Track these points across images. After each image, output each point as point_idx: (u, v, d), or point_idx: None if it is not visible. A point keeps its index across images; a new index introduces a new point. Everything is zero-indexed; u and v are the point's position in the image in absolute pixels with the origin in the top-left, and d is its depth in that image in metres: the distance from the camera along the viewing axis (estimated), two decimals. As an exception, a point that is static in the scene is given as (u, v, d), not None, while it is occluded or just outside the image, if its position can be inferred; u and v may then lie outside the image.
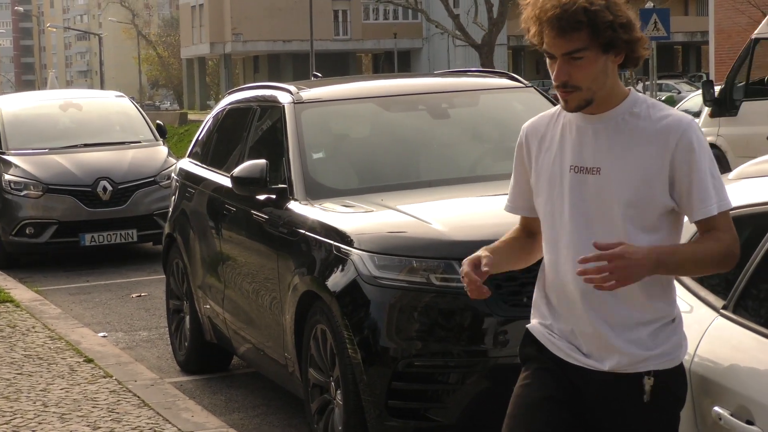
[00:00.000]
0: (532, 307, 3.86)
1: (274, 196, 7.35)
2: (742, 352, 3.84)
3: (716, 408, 3.76)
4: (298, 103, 7.78)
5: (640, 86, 48.62)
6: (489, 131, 8.13)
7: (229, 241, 8.15)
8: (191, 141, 10.09)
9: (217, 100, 10.79)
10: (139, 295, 12.72)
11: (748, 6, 37.49)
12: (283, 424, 7.73)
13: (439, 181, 7.37)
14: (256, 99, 8.61)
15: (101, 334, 10.50)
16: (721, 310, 4.03)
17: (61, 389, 8.05)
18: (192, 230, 8.92)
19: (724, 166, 15.68)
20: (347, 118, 8.18)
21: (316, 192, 7.20)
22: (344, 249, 6.37)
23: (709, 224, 3.58)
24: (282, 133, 7.66)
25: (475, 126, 8.18)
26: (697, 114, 25.45)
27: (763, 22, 19.16)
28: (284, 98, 7.90)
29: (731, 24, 40.29)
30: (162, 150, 16.14)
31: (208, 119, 9.70)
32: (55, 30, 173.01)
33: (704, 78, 37.76)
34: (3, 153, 15.62)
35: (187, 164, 9.56)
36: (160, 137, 16.56)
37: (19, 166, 15.21)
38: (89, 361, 8.87)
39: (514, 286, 5.95)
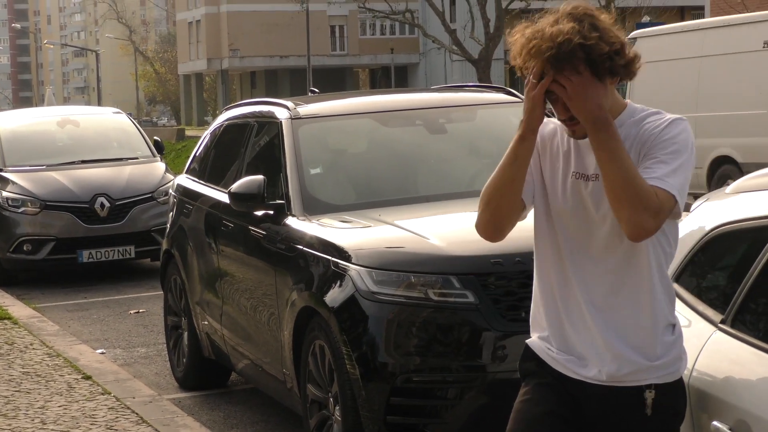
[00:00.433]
0: (531, 321, 3.86)
1: (271, 212, 7.35)
2: (741, 366, 3.84)
3: (715, 422, 3.75)
4: (295, 118, 7.78)
5: (637, 100, 48.71)
6: (486, 146, 8.13)
7: (226, 257, 8.15)
8: (189, 157, 10.09)
9: (215, 116, 10.82)
10: (137, 312, 12.71)
11: (744, 19, 37.52)
12: (282, 440, 7.72)
13: (437, 196, 7.37)
14: (253, 115, 8.62)
15: (99, 350, 10.49)
16: (720, 324, 4.03)
17: (60, 406, 8.04)
18: (190, 246, 8.92)
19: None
20: (344, 134, 8.19)
21: (314, 207, 7.20)
22: (342, 264, 6.36)
23: None
24: (279, 149, 7.67)
25: (473, 141, 8.18)
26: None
27: None
28: (281, 114, 7.91)
29: (727, 38, 40.30)
30: (159, 166, 16.15)
31: (205, 135, 9.70)
32: (52, 46, 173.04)
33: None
34: (0, 170, 15.62)
35: (185, 180, 9.56)
36: (158, 153, 16.57)
37: (16, 183, 15.21)
38: (87, 377, 8.86)
39: (513, 300, 5.95)
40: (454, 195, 7.41)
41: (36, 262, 15.04)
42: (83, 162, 15.94)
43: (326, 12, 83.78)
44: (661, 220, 3.47)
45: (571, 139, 3.69)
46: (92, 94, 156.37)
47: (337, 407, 6.33)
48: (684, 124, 3.59)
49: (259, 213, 7.44)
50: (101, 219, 14.96)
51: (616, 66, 3.53)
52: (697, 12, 68.30)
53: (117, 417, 7.73)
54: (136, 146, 16.66)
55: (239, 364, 8.12)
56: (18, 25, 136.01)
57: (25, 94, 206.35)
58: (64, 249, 14.89)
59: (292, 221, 7.14)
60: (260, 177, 7.39)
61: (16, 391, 8.53)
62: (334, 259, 6.46)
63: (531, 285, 3.92)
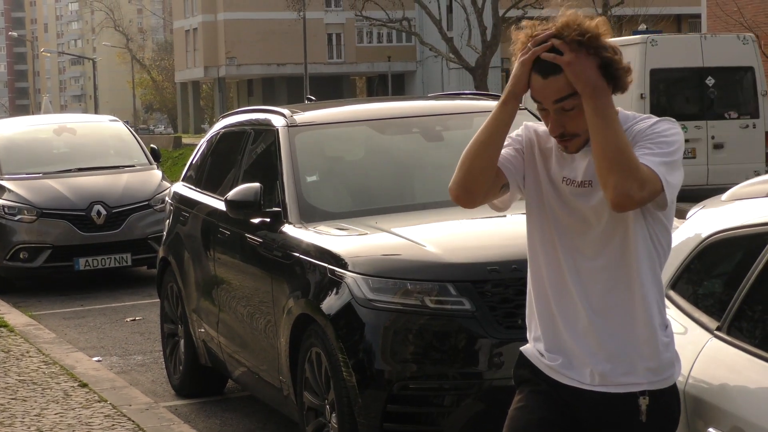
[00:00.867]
0: (527, 326, 3.86)
1: (268, 220, 7.35)
2: (737, 373, 3.85)
3: (711, 429, 3.76)
4: (292, 126, 7.79)
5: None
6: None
7: (223, 265, 8.15)
8: (185, 165, 10.09)
9: (212, 124, 10.85)
10: (134, 319, 12.70)
11: (741, 28, 37.57)
12: (278, 447, 7.71)
13: (433, 203, 7.37)
14: (250, 122, 8.62)
15: (96, 358, 10.47)
16: (715, 332, 4.04)
17: (56, 414, 8.03)
18: (186, 254, 8.92)
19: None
20: (341, 141, 8.19)
21: (311, 215, 7.20)
22: (339, 272, 6.37)
23: None
24: (276, 157, 7.67)
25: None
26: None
27: None
28: (278, 122, 7.92)
29: (724, 46, 40.36)
30: (156, 174, 16.14)
31: (202, 143, 9.71)
32: (49, 55, 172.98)
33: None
34: (-3, 178, 15.63)
35: (182, 188, 9.56)
36: (155, 161, 16.57)
37: (13, 191, 15.21)
38: (84, 385, 8.85)
39: (509, 308, 5.96)
40: (450, 203, 7.35)
41: (32, 270, 15.04)
42: (80, 170, 15.94)
43: (323, 20, 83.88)
44: (647, 194, 3.47)
45: (558, 146, 3.71)
46: (89, 102, 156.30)
47: (334, 414, 6.33)
48: (673, 123, 3.61)
49: (256, 220, 7.45)
50: (98, 227, 14.95)
51: (611, 64, 3.55)
52: (694, 20, 68.39)
53: (113, 425, 7.72)
54: (132, 154, 16.65)
55: (236, 371, 8.12)
56: (15, 34, 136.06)
57: (21, 102, 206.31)
58: (61, 257, 14.88)
59: (288, 229, 7.14)
60: (257, 185, 7.40)
61: (12, 398, 8.52)
62: (330, 266, 6.47)
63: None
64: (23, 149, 16.43)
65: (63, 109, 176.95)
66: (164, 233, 9.71)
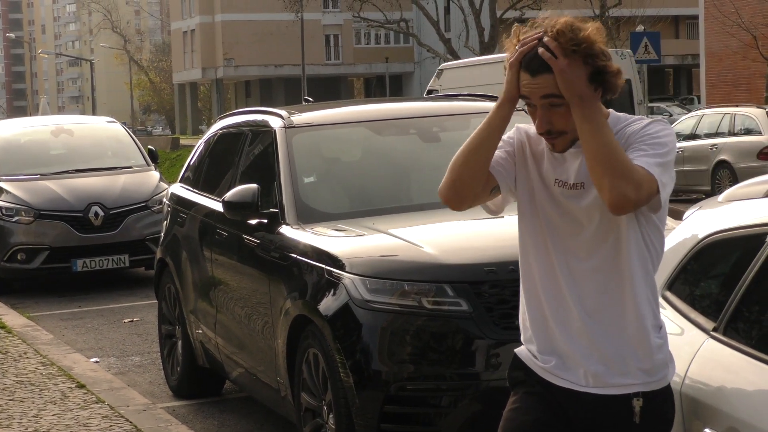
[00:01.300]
0: (521, 327, 3.87)
1: (265, 221, 7.36)
2: (733, 374, 3.85)
3: (707, 430, 3.76)
4: (289, 127, 7.79)
5: (631, 109, 48.72)
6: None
7: (220, 266, 8.15)
8: (183, 166, 10.10)
9: (209, 125, 10.85)
10: (132, 321, 12.70)
11: (738, 29, 37.62)
12: (276, 448, 7.72)
13: (431, 204, 7.36)
14: (247, 124, 8.63)
15: (93, 359, 10.48)
16: (712, 332, 4.04)
17: (54, 415, 8.04)
18: (184, 255, 8.92)
19: None
20: (338, 142, 8.20)
21: (308, 216, 7.20)
22: (336, 273, 6.37)
23: None
24: (273, 158, 7.67)
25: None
26: (689, 137, 25.59)
27: None
28: (275, 123, 7.92)
29: (722, 47, 40.43)
30: (154, 175, 16.14)
31: (199, 144, 9.71)
32: (46, 56, 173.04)
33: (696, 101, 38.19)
34: (-5, 179, 15.63)
35: (179, 189, 9.56)
36: (152, 162, 16.56)
37: (10, 192, 15.20)
38: (81, 386, 8.85)
39: (506, 308, 5.97)
40: (447, 203, 7.40)
41: (30, 271, 15.03)
42: (77, 171, 15.94)
43: (321, 21, 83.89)
44: (644, 195, 3.47)
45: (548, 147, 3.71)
46: (87, 103, 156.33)
47: (331, 415, 6.33)
48: (666, 125, 3.62)
49: (253, 222, 7.45)
50: (95, 228, 14.95)
51: (604, 72, 3.54)
52: (692, 21, 68.39)
53: (111, 425, 7.73)
54: (130, 155, 16.65)
55: (233, 372, 8.12)
56: (12, 35, 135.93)
57: (19, 104, 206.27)
58: (59, 258, 14.88)
59: (286, 230, 7.14)
60: (254, 186, 7.40)
61: (9, 399, 8.52)
62: (327, 267, 6.47)
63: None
64: (21, 150, 16.43)
65: (60, 110, 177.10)
66: (162, 234, 9.71)
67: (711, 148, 24.72)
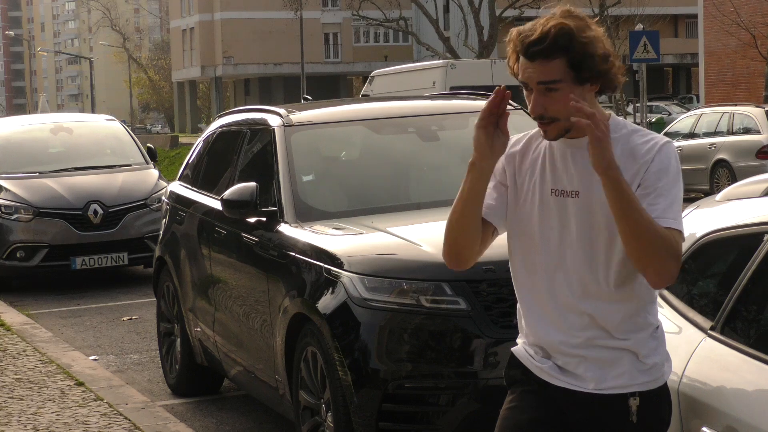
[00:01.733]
0: (518, 327, 3.87)
1: (264, 219, 7.36)
2: (731, 373, 3.86)
3: (705, 429, 3.77)
4: (288, 126, 7.80)
5: (630, 108, 48.75)
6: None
7: (219, 264, 8.16)
8: (182, 164, 10.10)
9: (208, 123, 10.85)
10: (130, 319, 12.71)
11: (737, 28, 37.63)
12: (274, 446, 7.72)
13: (429, 203, 7.38)
14: (246, 122, 8.63)
15: (92, 357, 10.48)
16: (709, 331, 4.05)
17: (52, 413, 8.04)
18: (183, 253, 8.93)
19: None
20: (337, 141, 8.20)
21: (307, 214, 7.21)
22: (334, 271, 6.38)
23: None
24: (272, 156, 7.68)
25: (465, 148, 8.14)
26: (687, 135, 25.59)
27: None
28: (274, 121, 7.92)
29: (721, 46, 40.43)
30: (153, 173, 16.15)
31: (198, 142, 9.71)
32: (46, 54, 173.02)
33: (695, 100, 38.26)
34: (-6, 177, 15.63)
35: (178, 187, 9.57)
36: (151, 160, 16.57)
37: (9, 190, 15.21)
38: (80, 384, 8.86)
39: (504, 307, 5.97)
40: (446, 202, 7.34)
41: (29, 269, 15.04)
42: (76, 169, 15.94)
43: (320, 20, 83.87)
44: (680, 258, 3.48)
45: (546, 157, 3.68)
46: (86, 101, 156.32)
47: (329, 413, 6.34)
48: (673, 149, 3.58)
49: (252, 220, 7.45)
50: (94, 226, 14.96)
51: (600, 69, 3.53)
52: (691, 20, 68.39)
53: (110, 423, 7.73)
54: (129, 153, 16.66)
55: (232, 370, 8.13)
56: (11, 33, 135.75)
57: (18, 102, 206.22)
58: (58, 256, 14.89)
59: (284, 228, 7.15)
60: (253, 184, 7.40)
61: (8, 397, 8.53)
62: (326, 265, 6.48)
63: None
64: (20, 148, 16.43)
65: (60, 108, 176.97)
66: (161, 232, 9.72)
67: (710, 147, 24.70)
